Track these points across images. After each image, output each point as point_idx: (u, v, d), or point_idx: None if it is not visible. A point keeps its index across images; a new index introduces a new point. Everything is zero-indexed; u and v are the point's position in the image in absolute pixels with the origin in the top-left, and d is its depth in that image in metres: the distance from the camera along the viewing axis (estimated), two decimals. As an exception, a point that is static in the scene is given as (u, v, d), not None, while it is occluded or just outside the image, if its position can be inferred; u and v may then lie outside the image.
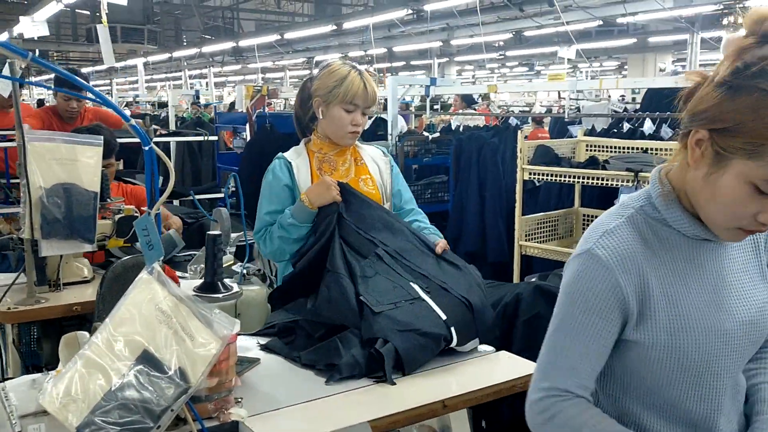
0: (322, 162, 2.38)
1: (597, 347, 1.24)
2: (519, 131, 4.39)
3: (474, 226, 5.63)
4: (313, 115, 2.38)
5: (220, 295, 1.67)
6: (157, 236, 1.48)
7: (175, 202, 6.29)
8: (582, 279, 1.24)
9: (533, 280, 3.25)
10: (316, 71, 2.43)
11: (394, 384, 1.77)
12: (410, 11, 9.76)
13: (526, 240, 4.25)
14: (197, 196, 6.40)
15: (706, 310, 1.24)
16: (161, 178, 7.21)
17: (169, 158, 7.77)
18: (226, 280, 1.95)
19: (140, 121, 5.89)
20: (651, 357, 1.24)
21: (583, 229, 4.45)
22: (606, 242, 1.25)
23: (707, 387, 1.26)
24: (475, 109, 8.09)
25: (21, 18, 6.95)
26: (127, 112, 8.47)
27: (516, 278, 4.29)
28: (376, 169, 2.45)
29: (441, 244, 2.18)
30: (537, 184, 5.01)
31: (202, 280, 1.78)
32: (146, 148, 1.40)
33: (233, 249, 2.95)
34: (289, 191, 2.31)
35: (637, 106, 6.54)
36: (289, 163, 2.33)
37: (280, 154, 2.38)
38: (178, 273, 2.51)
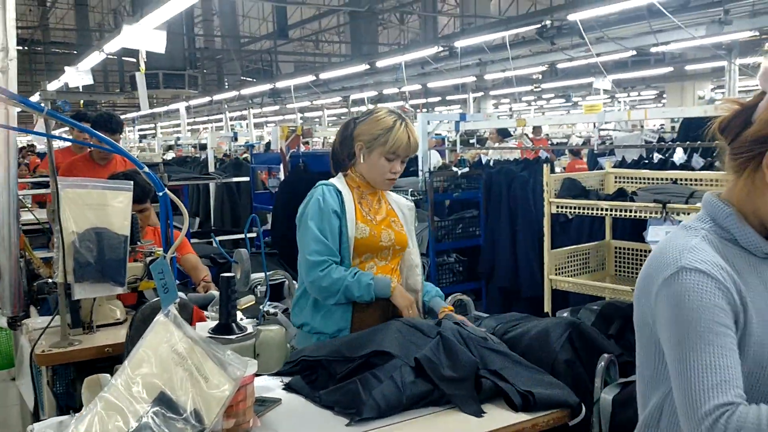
0: (361, 198, 2.43)
1: (733, 354, 1.23)
2: (545, 164, 4.36)
3: (506, 260, 5.64)
4: (350, 153, 2.43)
5: (233, 337, 1.69)
6: (172, 279, 1.51)
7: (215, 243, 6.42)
8: (693, 294, 1.24)
9: (565, 314, 3.21)
10: (355, 109, 2.53)
11: (482, 415, 1.80)
12: (441, 48, 9.83)
13: (556, 274, 4.18)
14: (233, 237, 6.57)
15: None
16: (197, 220, 7.30)
17: (209, 199, 7.97)
18: (247, 321, 1.98)
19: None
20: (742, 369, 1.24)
21: (616, 262, 4.37)
22: (697, 257, 1.26)
23: None
24: (510, 143, 8.08)
25: (66, 68, 7.19)
26: (171, 155, 8.68)
27: (549, 312, 4.16)
28: (401, 215, 2.52)
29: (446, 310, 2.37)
30: (569, 217, 4.97)
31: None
32: (160, 193, 1.45)
33: (263, 288, 2.88)
34: (337, 219, 2.34)
35: (675, 136, 6.45)
36: (339, 191, 2.37)
37: (325, 181, 2.41)
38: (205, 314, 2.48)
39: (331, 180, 2.44)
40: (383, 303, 2.33)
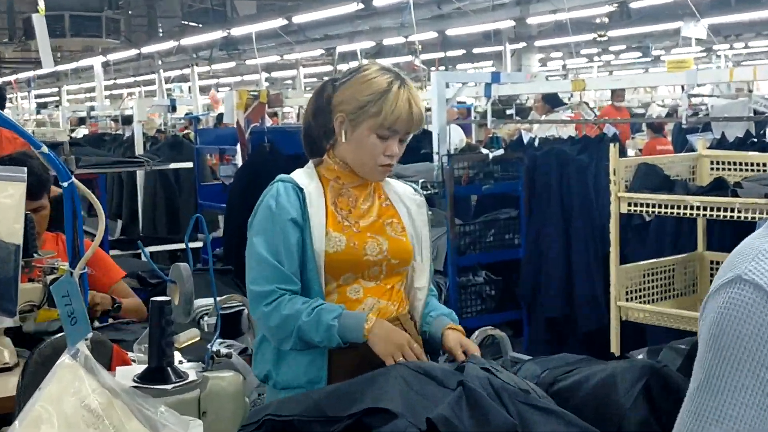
0: (339, 195, 2.45)
1: (760, 412, 1.23)
2: (612, 144, 4.36)
3: (557, 280, 5.67)
4: (328, 130, 2.45)
5: (169, 387, 1.71)
6: (82, 306, 1.53)
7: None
8: (734, 315, 1.25)
9: (640, 357, 3.23)
10: (344, 66, 2.56)
11: None
12: (466, -21, 9.82)
13: (628, 299, 4.21)
14: (169, 247, 6.62)
15: None
16: (119, 223, 7.26)
17: (135, 193, 7.87)
18: (189, 365, 1.99)
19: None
20: None
21: (712, 281, 4.37)
22: (763, 266, 1.26)
23: None
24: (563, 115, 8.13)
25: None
26: (83, 132, 8.64)
27: (616, 352, 4.25)
28: (406, 213, 2.53)
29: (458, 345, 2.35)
30: (647, 218, 5.01)
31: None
32: (65, 184, 1.46)
33: (211, 320, 2.80)
34: (298, 229, 2.36)
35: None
36: (300, 189, 2.39)
37: (283, 176, 2.42)
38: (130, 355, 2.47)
39: (296, 172, 2.44)
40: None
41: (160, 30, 20.23)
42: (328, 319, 2.28)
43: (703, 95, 8.29)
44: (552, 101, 8.48)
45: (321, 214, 2.37)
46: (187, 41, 15.83)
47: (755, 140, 5.01)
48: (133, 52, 16.83)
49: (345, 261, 2.39)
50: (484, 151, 5.99)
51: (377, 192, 2.51)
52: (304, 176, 2.42)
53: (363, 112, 2.35)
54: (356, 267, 2.41)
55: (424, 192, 5.03)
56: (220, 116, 9.49)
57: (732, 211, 3.63)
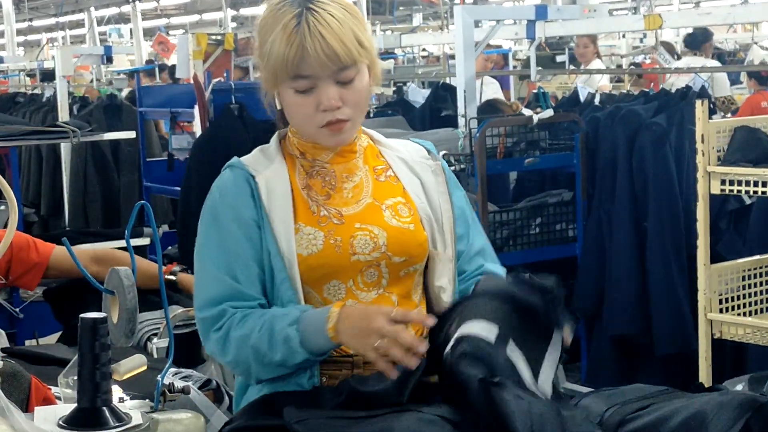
0: (310, 174, 2.48)
1: None
2: (699, 101, 4.32)
3: (626, 286, 5.67)
4: None
5: (104, 433, 1.77)
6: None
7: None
8: None
9: (739, 387, 3.47)
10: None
11: None
12: None
13: (722, 310, 4.24)
14: (104, 244, 6.51)
15: None
16: (37, 212, 7.37)
17: (59, 174, 7.76)
18: (134, 403, 2.10)
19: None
20: None
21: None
22: None
23: None
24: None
25: None
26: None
27: (707, 382, 4.25)
28: (418, 186, 2.53)
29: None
30: (747, 201, 5.08)
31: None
32: None
33: (163, 343, 3.22)
34: (255, 230, 2.41)
35: None
36: (251, 176, 2.43)
37: (235, 160, 2.48)
38: (54, 390, 2.61)
39: (254, 152, 2.50)
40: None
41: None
42: (282, 327, 2.29)
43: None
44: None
45: (286, 206, 2.41)
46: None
47: None
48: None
49: (324, 266, 2.40)
50: (527, 111, 5.92)
51: (370, 162, 2.52)
52: (261, 157, 2.47)
53: (270, 68, 2.38)
54: (342, 272, 2.42)
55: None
56: (171, 69, 9.60)
57: None
